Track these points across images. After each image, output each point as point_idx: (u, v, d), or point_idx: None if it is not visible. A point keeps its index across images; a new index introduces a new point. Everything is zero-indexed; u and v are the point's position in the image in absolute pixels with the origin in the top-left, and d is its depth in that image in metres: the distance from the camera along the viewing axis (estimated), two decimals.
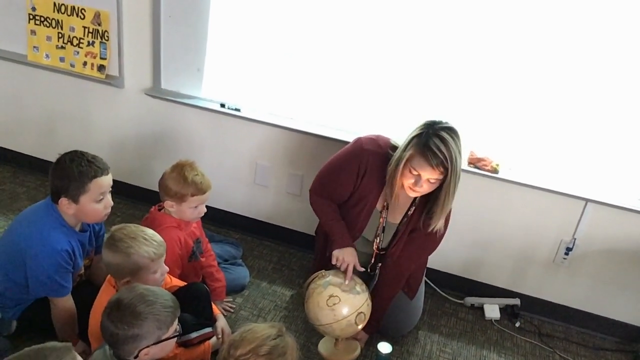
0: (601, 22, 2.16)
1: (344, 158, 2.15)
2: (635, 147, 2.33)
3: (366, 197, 2.14)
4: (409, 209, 2.15)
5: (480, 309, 2.65)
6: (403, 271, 2.23)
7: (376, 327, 2.29)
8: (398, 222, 2.18)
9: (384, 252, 2.25)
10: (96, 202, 1.94)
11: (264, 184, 2.84)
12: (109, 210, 2.01)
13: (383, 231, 2.20)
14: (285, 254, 2.85)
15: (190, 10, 2.57)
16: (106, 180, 1.96)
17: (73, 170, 1.89)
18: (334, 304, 2.03)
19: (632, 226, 2.42)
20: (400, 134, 2.38)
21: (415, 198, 2.10)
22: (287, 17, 2.49)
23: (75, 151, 1.96)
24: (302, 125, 2.63)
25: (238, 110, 2.69)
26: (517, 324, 2.61)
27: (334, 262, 2.14)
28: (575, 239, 2.51)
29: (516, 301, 2.66)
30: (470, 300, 2.68)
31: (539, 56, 2.27)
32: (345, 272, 2.11)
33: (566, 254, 2.54)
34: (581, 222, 2.47)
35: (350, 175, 2.11)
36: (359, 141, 2.13)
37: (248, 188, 2.88)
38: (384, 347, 2.09)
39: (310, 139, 2.64)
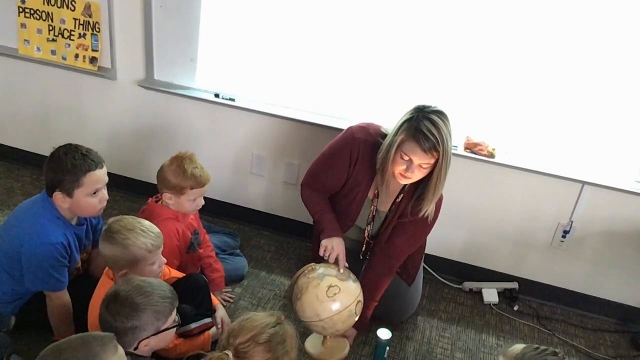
0: (593, 6, 2.15)
1: (335, 147, 2.13)
2: (632, 129, 2.33)
3: (358, 186, 2.13)
4: (397, 197, 2.14)
5: (479, 293, 2.66)
6: (394, 261, 2.19)
7: (365, 323, 2.22)
8: (387, 209, 2.17)
9: (373, 241, 2.25)
10: (91, 196, 1.93)
11: (260, 173, 2.83)
12: (104, 204, 2.00)
13: (373, 220, 2.20)
14: (283, 243, 2.85)
15: None
16: (101, 174, 1.94)
17: (67, 164, 1.88)
18: (335, 294, 1.95)
19: (629, 208, 2.43)
20: (394, 120, 2.38)
21: (404, 185, 2.09)
22: (280, 5, 2.47)
23: (70, 144, 1.95)
24: (297, 114, 2.62)
25: (232, 99, 2.67)
26: (516, 308, 2.62)
27: (321, 251, 2.08)
28: (572, 221, 2.51)
29: (514, 285, 2.67)
30: (469, 285, 2.69)
31: (532, 40, 2.26)
32: (335, 262, 2.06)
33: (563, 237, 2.54)
34: (578, 204, 2.48)
35: (343, 164, 2.10)
36: (349, 130, 2.12)
37: (244, 178, 2.87)
38: (384, 333, 2.09)
39: (305, 127, 2.63)
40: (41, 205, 1.95)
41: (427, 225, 2.13)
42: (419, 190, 2.06)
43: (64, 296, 1.97)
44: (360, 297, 2.04)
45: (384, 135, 2.03)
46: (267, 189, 2.87)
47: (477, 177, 2.53)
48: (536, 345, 1.53)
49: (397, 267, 2.22)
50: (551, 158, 2.43)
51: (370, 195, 2.16)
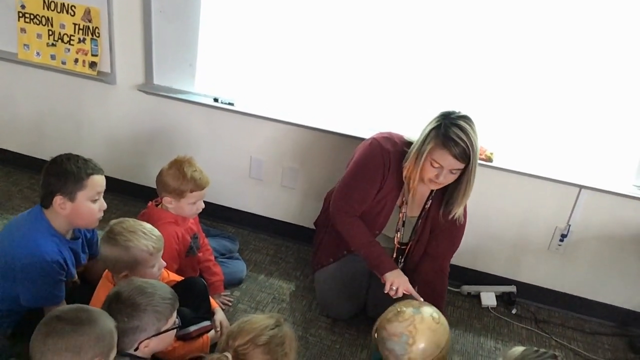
0: (592, 9, 2.17)
1: (366, 162, 2.13)
2: (629, 133, 2.34)
3: (387, 196, 2.15)
4: (426, 202, 2.17)
5: (477, 297, 2.67)
6: (443, 270, 2.27)
7: None
8: (417, 215, 2.20)
9: (404, 247, 2.27)
10: (92, 201, 1.92)
11: (259, 177, 2.84)
12: (102, 214, 1.98)
13: (403, 225, 2.22)
14: (281, 247, 2.86)
15: (182, 4, 2.56)
16: (102, 180, 1.95)
17: (71, 167, 1.87)
18: (439, 318, 1.83)
19: (626, 212, 2.44)
20: (394, 124, 2.40)
21: (432, 190, 2.12)
22: (278, 10, 2.48)
23: (70, 153, 1.95)
24: (296, 118, 2.62)
25: (231, 104, 2.68)
26: (514, 311, 2.63)
27: (388, 287, 2.07)
28: (569, 225, 2.52)
29: (512, 288, 2.68)
30: (467, 288, 2.70)
31: (531, 45, 2.28)
32: (405, 294, 2.06)
33: (561, 240, 2.56)
34: (575, 208, 2.49)
35: (376, 177, 2.11)
36: (375, 142, 2.12)
37: (243, 182, 2.88)
38: None
39: (304, 131, 2.64)
40: (34, 221, 1.91)
41: (461, 227, 2.20)
42: (448, 194, 2.10)
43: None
44: None
45: (408, 144, 2.06)
46: (265, 193, 2.88)
47: (475, 181, 2.53)
48: (536, 348, 1.54)
49: (447, 274, 2.29)
50: (549, 162, 2.44)
51: (398, 202, 2.18)
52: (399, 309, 1.85)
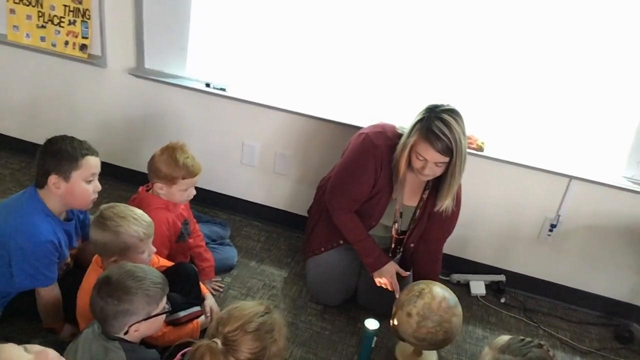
0: (581, 3, 2.17)
1: (358, 160, 2.13)
2: (619, 125, 2.35)
3: (382, 190, 2.15)
4: (423, 192, 2.18)
5: (466, 285, 2.69)
6: (437, 254, 2.33)
7: None
8: (415, 204, 2.21)
9: (403, 236, 2.30)
10: (86, 182, 1.92)
11: (251, 163, 2.83)
12: (97, 195, 1.98)
13: (401, 216, 2.23)
14: (273, 234, 2.86)
15: None
16: (96, 162, 1.95)
17: (66, 147, 1.88)
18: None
19: (615, 203, 2.46)
20: (389, 113, 2.39)
21: (428, 180, 2.13)
22: None
23: (65, 135, 1.95)
24: (288, 105, 2.61)
25: (223, 89, 2.66)
26: (502, 300, 2.65)
27: (377, 282, 2.23)
28: (559, 215, 2.54)
29: (501, 277, 2.70)
30: (457, 277, 2.71)
31: (522, 35, 2.27)
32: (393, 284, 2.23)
33: (550, 230, 2.57)
34: (565, 199, 2.50)
35: (370, 174, 2.12)
36: (367, 138, 2.12)
37: (235, 168, 2.87)
38: (372, 324, 2.10)
39: (297, 118, 2.63)
40: (28, 201, 1.91)
41: (455, 213, 2.21)
42: (438, 186, 2.11)
43: (54, 290, 1.95)
44: None
45: (400, 136, 2.06)
46: (257, 180, 2.87)
47: (466, 171, 2.52)
48: (521, 337, 1.55)
49: (441, 257, 2.35)
50: (539, 152, 2.45)
51: (394, 195, 2.18)
52: (417, 293, 2.03)
